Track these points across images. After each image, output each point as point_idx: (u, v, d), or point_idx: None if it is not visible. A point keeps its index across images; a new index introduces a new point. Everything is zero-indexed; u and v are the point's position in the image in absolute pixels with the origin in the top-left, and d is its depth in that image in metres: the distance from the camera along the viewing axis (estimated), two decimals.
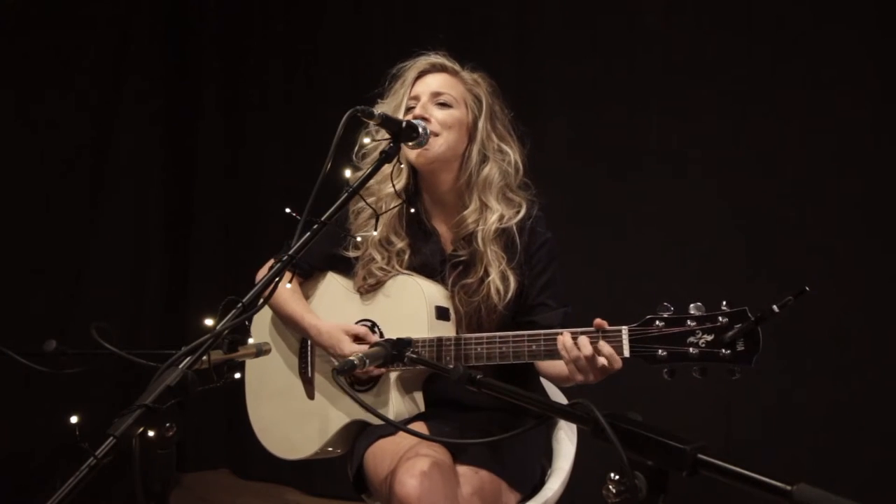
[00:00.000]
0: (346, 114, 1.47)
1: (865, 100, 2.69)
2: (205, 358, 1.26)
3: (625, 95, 3.07)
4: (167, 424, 1.14)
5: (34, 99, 3.41)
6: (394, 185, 1.85)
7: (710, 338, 1.47)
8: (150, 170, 3.95)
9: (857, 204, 2.70)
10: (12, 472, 3.13)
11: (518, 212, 1.89)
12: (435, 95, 1.88)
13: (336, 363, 1.78)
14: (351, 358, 1.40)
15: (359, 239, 1.91)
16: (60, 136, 3.51)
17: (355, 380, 1.89)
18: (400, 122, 1.64)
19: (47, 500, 0.94)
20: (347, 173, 1.62)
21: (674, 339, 1.50)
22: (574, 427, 1.98)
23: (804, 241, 2.75)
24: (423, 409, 1.86)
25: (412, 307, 1.83)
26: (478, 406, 1.87)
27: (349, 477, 1.93)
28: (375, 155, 1.74)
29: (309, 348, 2.01)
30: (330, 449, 1.98)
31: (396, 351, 1.44)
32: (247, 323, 1.35)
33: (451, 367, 1.26)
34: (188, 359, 1.17)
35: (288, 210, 1.44)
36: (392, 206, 1.89)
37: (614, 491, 0.93)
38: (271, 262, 1.44)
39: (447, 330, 1.84)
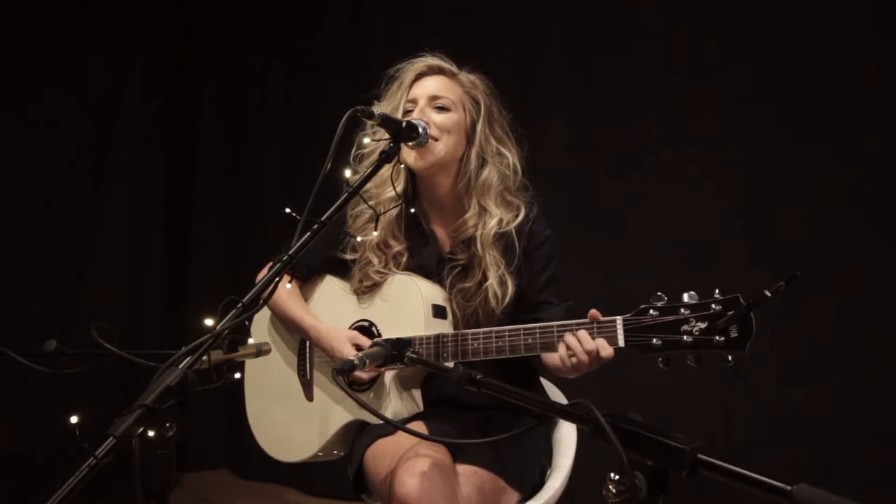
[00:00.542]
0: (346, 114, 1.48)
1: (865, 100, 2.69)
2: (205, 358, 1.26)
3: (625, 95, 3.07)
4: (167, 424, 1.14)
5: (34, 99, 3.41)
6: (394, 186, 1.85)
7: (703, 325, 1.47)
8: (150, 170, 3.95)
9: (857, 204, 2.70)
10: (12, 472, 3.13)
11: (517, 215, 1.89)
12: (433, 99, 1.87)
13: (335, 364, 1.78)
14: (350, 358, 1.40)
15: (358, 240, 1.91)
16: (60, 136, 3.51)
17: (353, 379, 1.89)
18: (400, 121, 1.64)
19: (47, 500, 0.94)
20: (347, 173, 1.61)
21: (668, 328, 1.51)
22: (574, 426, 1.98)
23: (804, 241, 2.75)
24: (422, 408, 1.86)
25: (409, 305, 1.83)
26: (477, 405, 1.87)
27: (349, 477, 1.92)
28: (374, 156, 1.74)
29: (308, 350, 2.01)
30: (330, 450, 1.98)
31: (396, 351, 1.44)
32: (247, 323, 1.35)
33: (451, 366, 1.26)
34: (188, 359, 1.17)
35: (288, 210, 1.44)
36: (391, 207, 1.89)
37: (614, 491, 0.93)
38: (271, 263, 1.44)
39: (444, 327, 1.84)
